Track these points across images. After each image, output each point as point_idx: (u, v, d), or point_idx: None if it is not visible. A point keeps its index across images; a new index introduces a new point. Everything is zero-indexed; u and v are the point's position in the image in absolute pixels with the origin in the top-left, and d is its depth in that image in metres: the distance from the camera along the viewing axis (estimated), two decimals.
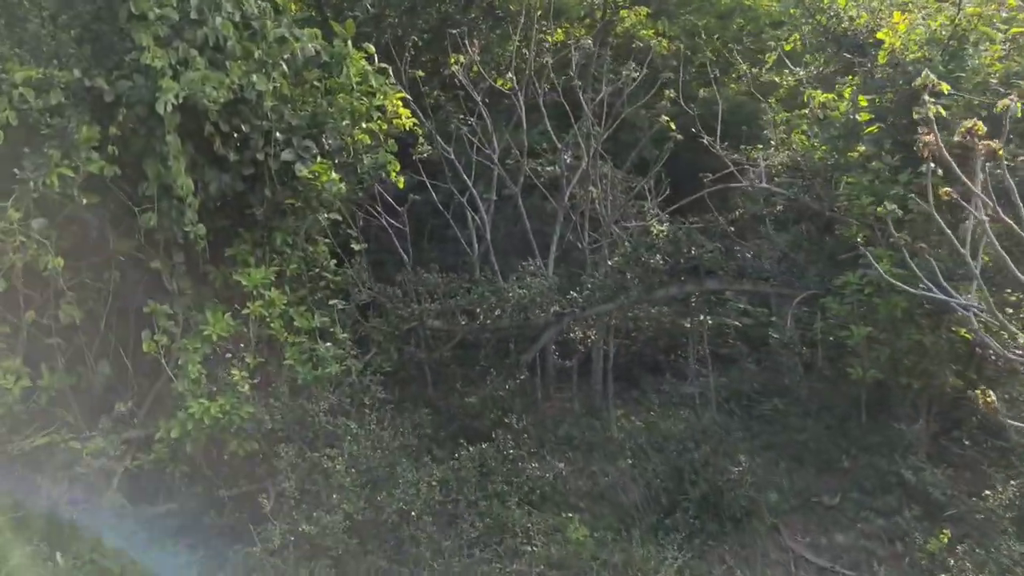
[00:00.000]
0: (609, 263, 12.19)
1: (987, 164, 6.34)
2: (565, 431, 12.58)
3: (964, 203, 6.57)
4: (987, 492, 9.19)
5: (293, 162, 9.56)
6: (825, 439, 11.32)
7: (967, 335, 10.21)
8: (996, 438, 10.98)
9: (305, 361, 9.92)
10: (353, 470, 9.06)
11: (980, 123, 6.15)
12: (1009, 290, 9.59)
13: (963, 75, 9.34)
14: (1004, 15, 9.67)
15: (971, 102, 9.35)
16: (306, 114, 9.88)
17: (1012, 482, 9.12)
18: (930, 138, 6.32)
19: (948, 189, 6.23)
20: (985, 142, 6.17)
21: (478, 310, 11.55)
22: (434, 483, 9.34)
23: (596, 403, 13.64)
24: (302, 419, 9.49)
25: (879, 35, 10.15)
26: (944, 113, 5.85)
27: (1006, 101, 5.28)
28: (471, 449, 10.77)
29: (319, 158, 9.72)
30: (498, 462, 10.66)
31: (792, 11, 11.43)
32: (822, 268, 11.09)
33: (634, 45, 16.37)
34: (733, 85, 15.75)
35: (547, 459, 11.47)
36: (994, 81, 9.17)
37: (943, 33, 9.92)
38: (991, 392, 5.09)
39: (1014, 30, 9.24)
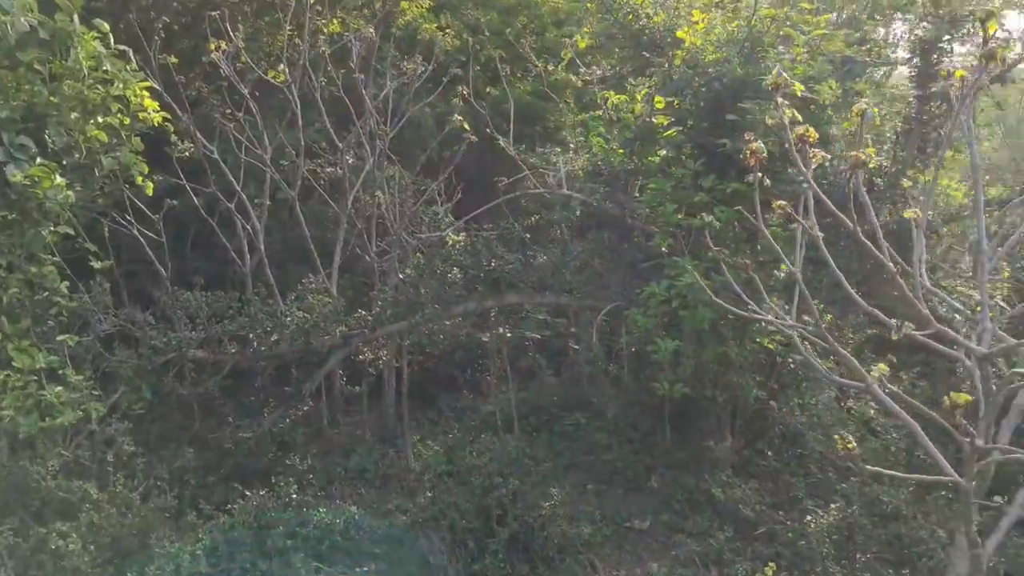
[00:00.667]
0: (400, 276, 11.04)
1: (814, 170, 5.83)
2: (357, 463, 11.34)
3: (795, 216, 6.00)
4: (808, 518, 8.93)
5: (3, 164, 7.62)
6: (632, 458, 10.82)
7: (770, 345, 10.04)
8: (796, 446, 10.96)
9: (29, 410, 7.99)
10: (93, 546, 7.34)
11: (812, 129, 5.63)
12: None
13: (764, 78, 9.01)
14: (794, 14, 9.45)
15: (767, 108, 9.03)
16: (20, 104, 7.95)
17: (832, 506, 8.91)
18: (757, 145, 5.69)
19: (783, 203, 5.61)
20: (815, 150, 5.67)
21: (251, 335, 10.01)
22: (199, 551, 7.79)
23: (390, 428, 12.48)
24: (23, 484, 7.62)
25: (679, 34, 9.69)
26: (799, 117, 5.19)
27: (861, 106, 4.71)
28: (247, 496, 9.32)
29: (39, 159, 7.82)
30: (280, 510, 9.27)
31: (588, 5, 10.74)
32: (624, 278, 10.54)
33: (419, 38, 15.39)
34: (520, 84, 15.10)
35: (337, 501, 10.21)
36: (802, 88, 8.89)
37: (740, 35, 9.59)
38: (850, 437, 4.49)
39: (815, 32, 9.04)
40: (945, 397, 4.29)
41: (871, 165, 6.72)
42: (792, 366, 10.47)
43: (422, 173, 13.12)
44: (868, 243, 5.31)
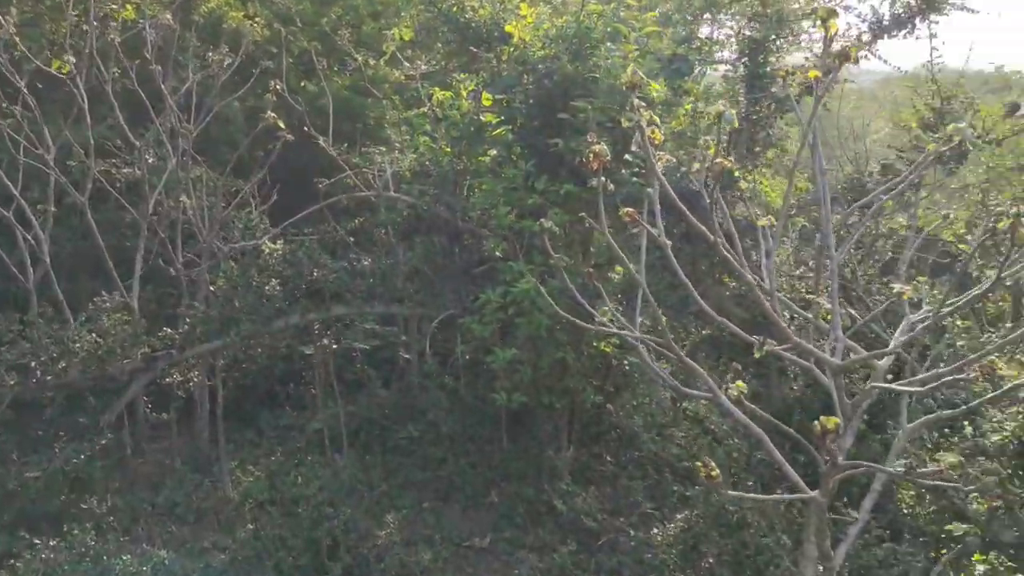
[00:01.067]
0: (211, 288, 10.02)
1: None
2: (166, 497, 10.20)
3: (642, 222, 5.68)
4: (655, 530, 8.76)
5: None
6: (470, 472, 10.34)
7: (606, 348, 9.85)
8: (633, 449, 10.85)
9: None
10: None
11: (657, 131, 5.32)
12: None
13: (597, 76, 8.76)
14: (623, 11, 9.25)
15: (608, 108, 8.79)
16: None
17: (678, 516, 8.77)
18: (600, 148, 5.32)
19: (631, 210, 5.27)
20: (661, 152, 5.37)
21: (33, 363, 8.73)
22: None
23: (204, 454, 11.36)
24: None
25: (507, 28, 9.26)
26: (655, 119, 4.82)
27: (719, 107, 4.40)
28: (35, 546, 8.13)
29: None
30: (74, 561, 8.13)
31: None
32: (457, 284, 10.03)
33: (224, 27, 14.22)
34: (338, 79, 14.27)
35: (144, 544, 9.11)
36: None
37: (569, 31, 9.28)
38: (712, 464, 4.18)
39: (647, 29, 8.86)
40: (815, 422, 4.05)
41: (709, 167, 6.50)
42: (627, 368, 10.33)
43: (233, 174, 12.04)
44: (730, 258, 5.04)
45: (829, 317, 5.27)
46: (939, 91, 8.75)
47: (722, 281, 8.96)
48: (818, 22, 5.00)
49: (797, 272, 9.38)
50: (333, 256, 10.30)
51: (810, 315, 5.56)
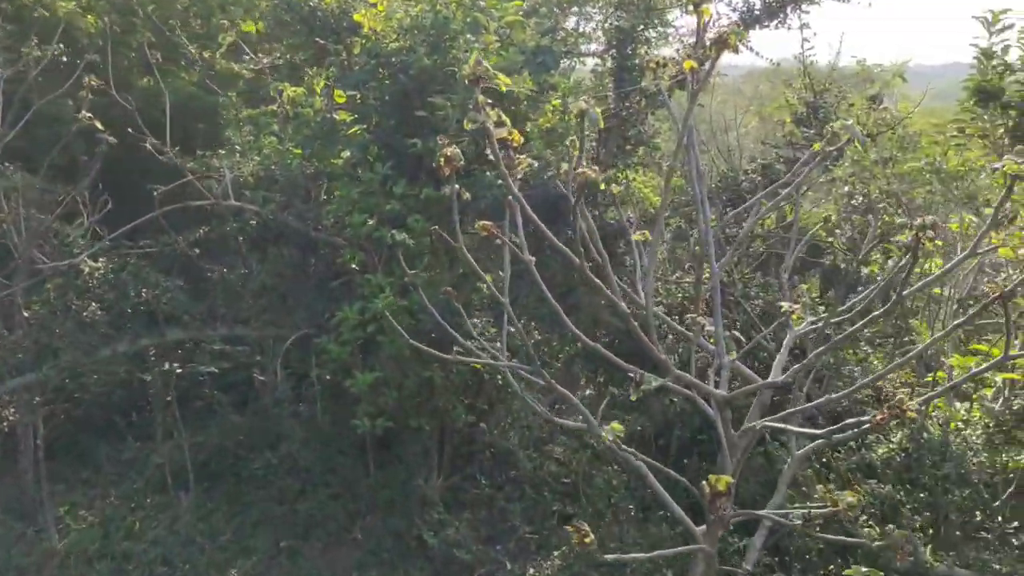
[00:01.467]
0: (26, 314, 8.75)
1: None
2: None
3: (500, 236, 4.99)
4: (531, 571, 8.10)
5: None
6: (331, 505, 9.42)
7: (477, 364, 9.12)
8: (508, 467, 10.18)
9: None
10: None
11: (516, 132, 4.65)
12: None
13: (456, 70, 8.01)
14: (483, 1, 8.53)
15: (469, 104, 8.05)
16: None
17: (555, 552, 8.14)
18: (453, 151, 4.60)
19: (487, 224, 4.56)
20: (521, 156, 4.70)
21: None
22: None
23: (29, 499, 10.03)
24: None
25: (356, 17, 8.39)
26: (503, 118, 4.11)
27: (581, 104, 3.73)
28: None
29: None
30: None
31: None
32: (312, 300, 9.10)
33: (36, 14, 12.71)
34: (185, 75, 13.02)
35: None
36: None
37: (425, 21, 8.50)
38: (587, 528, 3.53)
39: (508, 19, 8.16)
40: (704, 482, 3.43)
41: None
42: (501, 382, 9.65)
43: (59, 180, 10.69)
44: (600, 284, 4.40)
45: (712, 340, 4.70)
46: (812, 85, 8.44)
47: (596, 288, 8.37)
48: (690, 7, 4.42)
49: (674, 276, 8.93)
50: (170, 273, 9.18)
51: (692, 333, 4.97)
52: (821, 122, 8.08)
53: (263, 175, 8.97)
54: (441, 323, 6.13)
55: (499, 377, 9.80)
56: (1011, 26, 7.95)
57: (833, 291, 8.86)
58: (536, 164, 4.51)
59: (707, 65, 3.75)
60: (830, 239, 7.72)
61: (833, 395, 4.57)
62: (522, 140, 4.65)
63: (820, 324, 5.30)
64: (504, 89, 6.33)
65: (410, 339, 5.89)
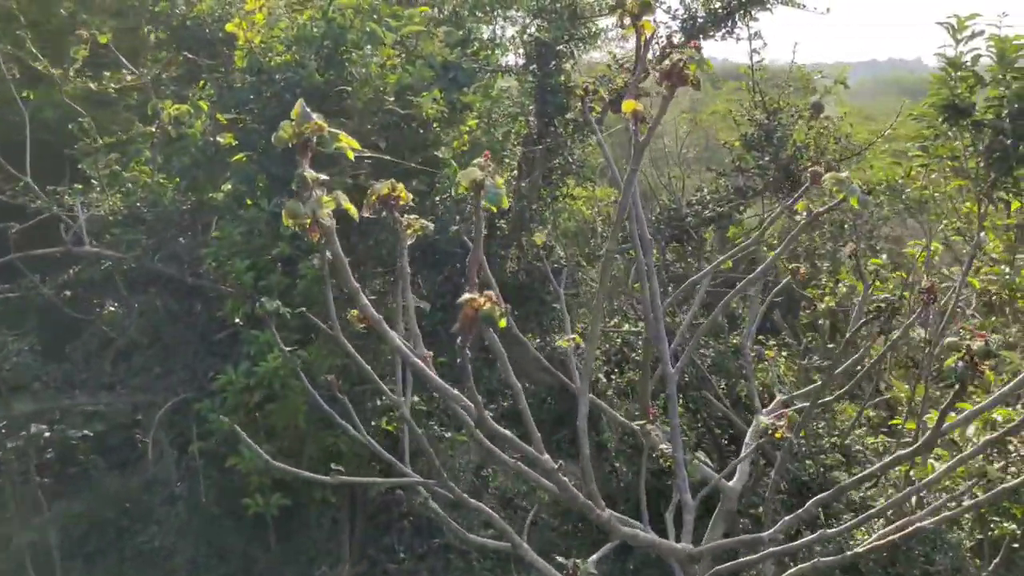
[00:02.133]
0: None
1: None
2: None
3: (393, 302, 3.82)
4: None
5: None
6: None
7: (390, 427, 7.94)
8: (431, 537, 8.99)
9: None
10: None
11: (402, 187, 3.54)
12: None
13: (349, 89, 6.80)
14: (381, 4, 7.33)
15: (368, 126, 6.89)
16: None
17: None
18: (321, 212, 3.42)
19: (359, 317, 3.40)
20: (412, 217, 3.62)
21: None
22: None
23: None
24: None
25: (229, 27, 7.10)
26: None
27: (474, 173, 2.58)
28: None
29: None
30: None
31: None
32: (193, 358, 7.79)
33: None
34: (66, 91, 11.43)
35: None
36: (390, 99, 6.77)
37: (316, 31, 7.26)
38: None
39: (408, 29, 6.96)
40: None
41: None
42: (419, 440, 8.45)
43: None
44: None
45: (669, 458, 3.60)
46: (764, 103, 7.43)
47: (521, 340, 7.24)
48: (625, 21, 3.32)
49: (611, 322, 7.83)
50: (23, 327, 7.75)
51: (643, 438, 3.89)
52: (776, 147, 7.07)
53: (126, 213, 7.59)
54: (328, 411, 4.98)
55: (421, 431, 8.66)
56: (981, 32, 7.05)
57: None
58: (431, 226, 3.33)
59: (655, 110, 2.64)
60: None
61: (821, 494, 3.54)
62: (410, 197, 3.52)
63: (809, 401, 4.27)
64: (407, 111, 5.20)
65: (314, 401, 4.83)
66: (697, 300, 4.01)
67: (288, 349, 6.00)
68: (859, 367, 4.08)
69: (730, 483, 4.34)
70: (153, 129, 8.68)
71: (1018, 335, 7.02)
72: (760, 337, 7.77)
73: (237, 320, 7.30)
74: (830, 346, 8.91)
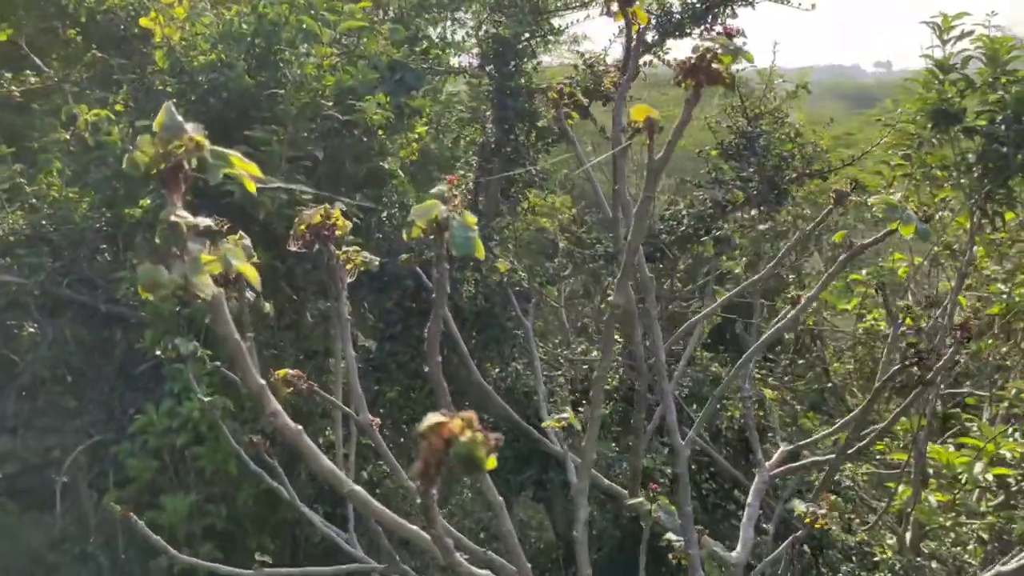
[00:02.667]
0: None
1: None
2: None
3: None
4: None
5: None
6: None
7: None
8: None
9: None
10: None
11: (339, 214, 2.85)
12: None
13: (282, 92, 6.03)
14: (326, 7, 6.57)
15: (304, 133, 6.13)
16: None
17: None
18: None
19: (287, 375, 2.69)
20: (352, 251, 2.97)
21: None
22: None
23: None
24: None
25: (143, 22, 6.28)
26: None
27: (435, 208, 1.90)
28: None
29: None
30: None
31: None
32: (108, 394, 6.92)
33: None
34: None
35: None
36: (329, 104, 6.01)
37: (245, 27, 6.47)
38: None
39: (347, 24, 6.20)
40: None
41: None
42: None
43: None
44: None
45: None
46: (744, 108, 6.84)
47: (482, 369, 6.54)
48: (613, 7, 2.66)
49: (579, 348, 7.15)
50: None
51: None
52: (760, 156, 6.47)
53: (28, 233, 6.71)
54: (256, 471, 4.27)
55: (366, 472, 7.94)
56: (970, 32, 6.56)
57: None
58: (376, 261, 2.59)
59: (683, 112, 1.96)
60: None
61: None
62: (349, 225, 2.82)
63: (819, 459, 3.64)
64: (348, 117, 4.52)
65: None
66: (692, 345, 3.39)
67: (208, 396, 5.22)
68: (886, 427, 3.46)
69: (733, 553, 3.69)
70: (67, 136, 7.80)
71: (1016, 359, 6.53)
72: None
73: (159, 352, 6.46)
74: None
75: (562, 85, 3.55)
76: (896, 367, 3.12)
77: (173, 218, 1.27)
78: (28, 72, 7.52)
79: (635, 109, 2.00)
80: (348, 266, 3.03)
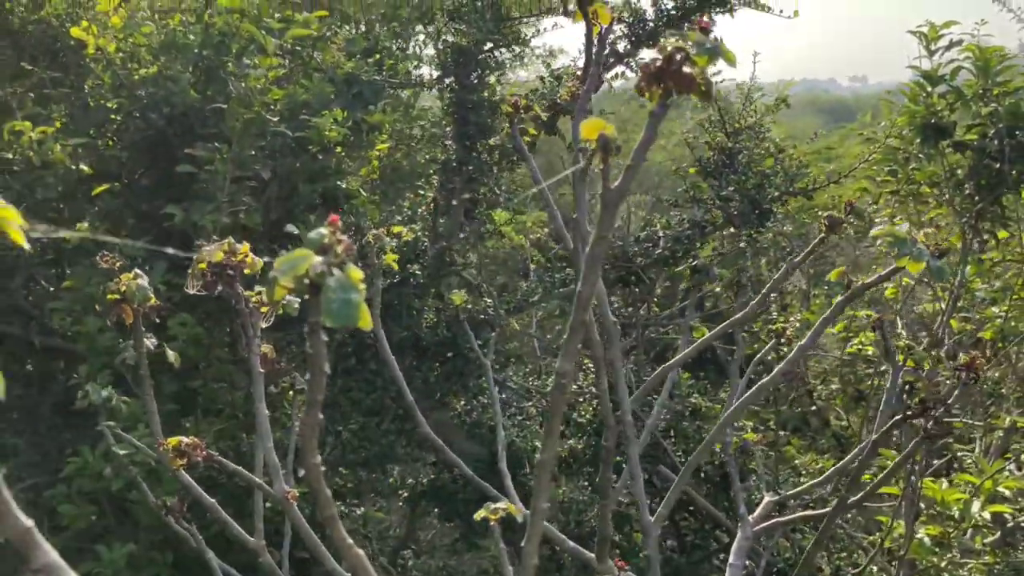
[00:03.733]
0: None
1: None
2: None
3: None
4: None
5: None
6: None
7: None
8: None
9: None
10: None
11: (246, 249, 2.46)
12: None
13: (224, 106, 5.60)
14: (278, 16, 6.14)
15: (251, 151, 5.70)
16: None
17: None
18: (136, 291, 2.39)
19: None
20: (259, 291, 2.58)
21: None
22: None
23: None
24: None
25: (74, 31, 5.83)
26: None
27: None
28: None
29: None
30: None
31: None
32: (44, 433, 6.43)
33: None
34: None
35: None
36: (275, 120, 5.57)
37: (191, 38, 6.03)
38: None
39: (295, 32, 5.77)
40: None
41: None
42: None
43: None
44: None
45: None
46: (724, 123, 6.46)
47: (445, 402, 6.10)
48: (571, 7, 2.29)
49: (544, 378, 6.70)
50: None
51: None
52: (740, 174, 6.09)
53: None
54: (182, 531, 3.83)
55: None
56: (959, 42, 6.23)
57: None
58: (294, 303, 2.15)
59: (646, 128, 1.55)
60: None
61: None
62: (260, 264, 2.42)
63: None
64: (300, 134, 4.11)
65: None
66: (664, 394, 3.02)
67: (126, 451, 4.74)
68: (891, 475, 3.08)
69: None
70: (9, 156, 7.31)
71: (1011, 386, 6.17)
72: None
73: (93, 392, 5.97)
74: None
75: (517, 98, 3.14)
76: (897, 418, 2.72)
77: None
78: None
79: (586, 124, 1.57)
80: (263, 310, 2.61)
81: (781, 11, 6.54)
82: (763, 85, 9.07)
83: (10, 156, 7.36)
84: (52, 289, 6.84)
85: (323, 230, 1.34)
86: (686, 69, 1.56)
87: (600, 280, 2.30)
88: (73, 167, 6.85)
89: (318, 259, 1.21)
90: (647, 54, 6.35)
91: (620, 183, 1.51)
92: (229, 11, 6.07)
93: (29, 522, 0.99)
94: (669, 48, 1.55)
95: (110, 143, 6.43)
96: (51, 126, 6.81)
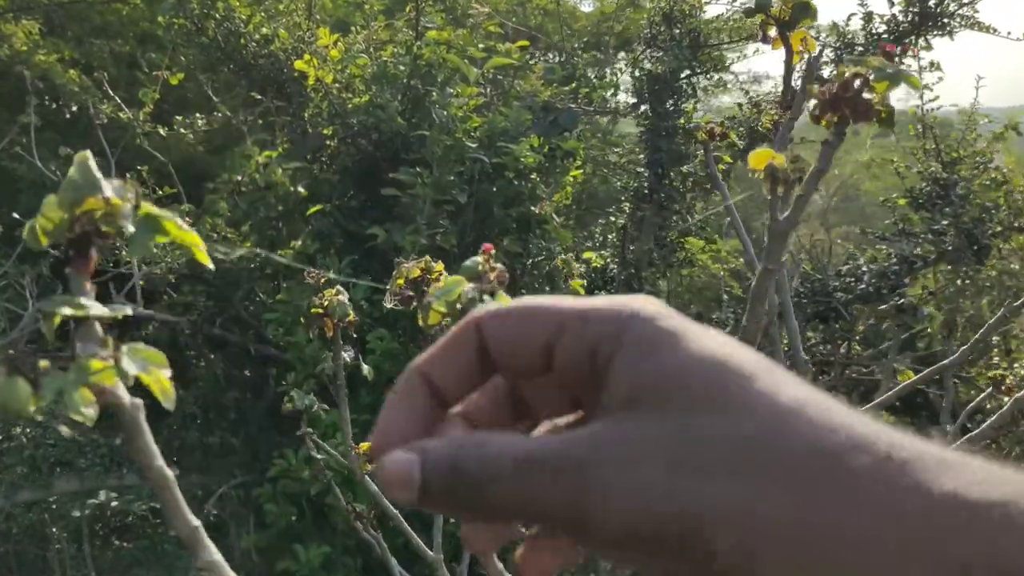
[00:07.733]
0: None
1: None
2: None
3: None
4: None
5: None
6: None
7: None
8: None
9: None
10: None
11: (441, 266, 2.51)
12: None
13: (428, 132, 5.85)
14: (481, 47, 6.37)
15: (450, 176, 5.91)
16: None
17: None
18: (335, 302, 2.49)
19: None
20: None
21: None
22: None
23: None
24: None
25: (298, 64, 6.29)
26: None
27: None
28: None
29: None
30: None
31: (162, 19, 6.93)
32: (256, 435, 6.93)
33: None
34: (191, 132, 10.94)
35: None
36: (474, 146, 5.77)
37: (401, 68, 6.37)
38: None
39: (496, 61, 5.97)
40: None
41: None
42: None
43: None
44: None
45: None
46: (939, 152, 6.02)
47: None
48: (771, 32, 2.19)
49: None
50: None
51: None
52: (957, 206, 5.64)
53: (188, 272, 6.86)
54: (369, 539, 3.94)
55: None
56: None
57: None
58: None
59: (820, 158, 1.47)
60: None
61: None
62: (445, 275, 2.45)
63: None
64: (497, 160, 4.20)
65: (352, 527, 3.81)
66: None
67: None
68: None
69: None
70: (239, 178, 8.02)
71: None
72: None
73: (306, 402, 6.38)
74: None
75: (712, 125, 3.06)
76: None
77: (78, 310, 0.90)
78: (197, 115, 7.80)
79: (753, 155, 1.52)
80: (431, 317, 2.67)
81: (1009, 33, 6.03)
82: (990, 111, 8.38)
83: (239, 178, 8.07)
84: (269, 301, 7.41)
85: (478, 258, 1.36)
86: (865, 95, 1.46)
87: (792, 315, 2.19)
88: (292, 189, 7.41)
89: (470, 286, 1.23)
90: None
91: (789, 214, 1.43)
92: (437, 43, 6.38)
93: (196, 522, 1.06)
94: (847, 73, 1.47)
95: (324, 167, 6.90)
96: (275, 151, 7.45)
